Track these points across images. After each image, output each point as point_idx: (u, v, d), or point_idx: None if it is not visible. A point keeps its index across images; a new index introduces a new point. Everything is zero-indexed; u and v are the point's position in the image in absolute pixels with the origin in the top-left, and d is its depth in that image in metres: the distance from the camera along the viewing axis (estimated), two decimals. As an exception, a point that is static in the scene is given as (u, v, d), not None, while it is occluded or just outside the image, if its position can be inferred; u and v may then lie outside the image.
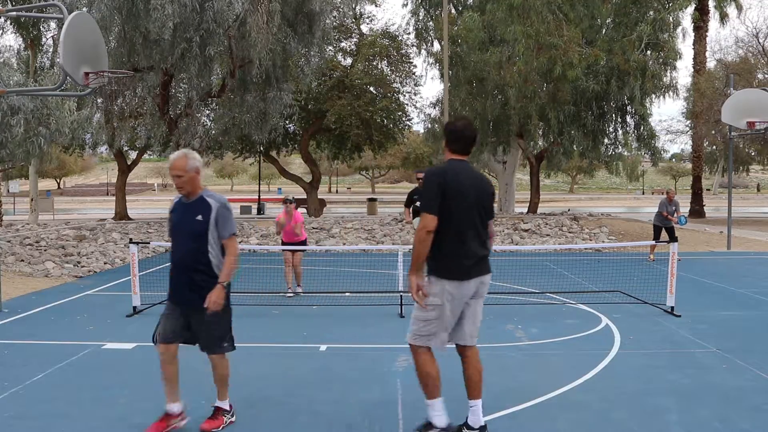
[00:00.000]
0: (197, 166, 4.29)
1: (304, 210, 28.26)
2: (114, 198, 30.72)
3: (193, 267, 4.26)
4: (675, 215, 14.01)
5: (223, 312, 4.32)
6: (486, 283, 4.19)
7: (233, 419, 4.55)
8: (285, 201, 9.90)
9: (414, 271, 4.04)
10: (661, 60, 21.91)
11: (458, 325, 4.18)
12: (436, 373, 4.12)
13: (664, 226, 14.12)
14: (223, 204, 4.30)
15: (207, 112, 23.05)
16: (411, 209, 10.42)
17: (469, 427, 4.18)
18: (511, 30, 20.54)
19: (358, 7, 28.49)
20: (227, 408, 4.53)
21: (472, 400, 4.20)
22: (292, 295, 9.85)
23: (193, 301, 4.25)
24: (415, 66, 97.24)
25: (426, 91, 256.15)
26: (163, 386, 4.39)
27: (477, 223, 4.09)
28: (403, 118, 29.63)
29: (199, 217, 4.25)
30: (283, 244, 9.95)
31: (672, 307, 8.30)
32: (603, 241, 17.98)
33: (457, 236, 4.01)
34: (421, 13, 27.62)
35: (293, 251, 9.83)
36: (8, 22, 22.61)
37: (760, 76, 26.71)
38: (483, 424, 4.19)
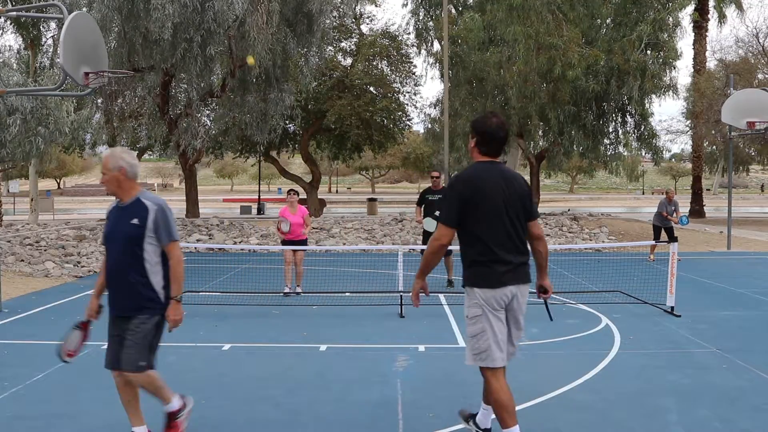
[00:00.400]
0: (121, 166, 3.86)
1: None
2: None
3: (127, 274, 3.85)
4: (675, 215, 14.00)
5: (150, 324, 3.89)
6: (523, 295, 3.86)
7: (190, 407, 4.23)
8: (288, 192, 9.99)
9: (419, 276, 3.94)
10: (660, 60, 21.90)
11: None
12: (507, 401, 3.75)
13: (663, 227, 14.11)
14: (161, 207, 3.90)
15: (207, 112, 23.07)
16: (422, 208, 10.45)
17: (476, 425, 4.15)
18: (510, 30, 20.54)
19: (358, 7, 28.51)
20: (177, 407, 4.12)
21: (487, 405, 4.03)
22: (289, 291, 9.87)
23: (127, 310, 3.88)
24: (415, 66, 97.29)
25: (426, 91, 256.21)
26: (124, 409, 4.06)
27: (509, 229, 3.77)
28: (403, 118, 29.66)
29: (135, 221, 3.85)
30: (284, 243, 9.94)
31: (672, 307, 8.30)
32: (603, 241, 17.98)
33: (485, 244, 3.74)
34: (421, 13, 27.60)
35: (294, 251, 9.83)
36: (8, 22, 22.63)
37: (760, 76, 26.72)
38: (489, 427, 4.13)
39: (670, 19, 21.85)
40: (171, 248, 3.90)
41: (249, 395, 5.15)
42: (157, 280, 3.90)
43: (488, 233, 3.74)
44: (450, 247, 11.32)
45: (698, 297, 9.67)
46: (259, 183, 43.94)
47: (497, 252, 3.74)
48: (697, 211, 31.12)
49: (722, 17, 30.93)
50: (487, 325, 3.73)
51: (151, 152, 31.21)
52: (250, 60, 12.82)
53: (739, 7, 31.07)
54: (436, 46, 27.05)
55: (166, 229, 3.88)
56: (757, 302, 9.22)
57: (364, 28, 29.76)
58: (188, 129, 18.83)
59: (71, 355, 4.09)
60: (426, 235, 10.51)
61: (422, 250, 10.43)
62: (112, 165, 3.88)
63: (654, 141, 24.09)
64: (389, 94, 28.00)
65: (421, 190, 10.90)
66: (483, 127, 3.84)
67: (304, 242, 9.94)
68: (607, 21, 22.55)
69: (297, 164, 59.78)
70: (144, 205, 3.89)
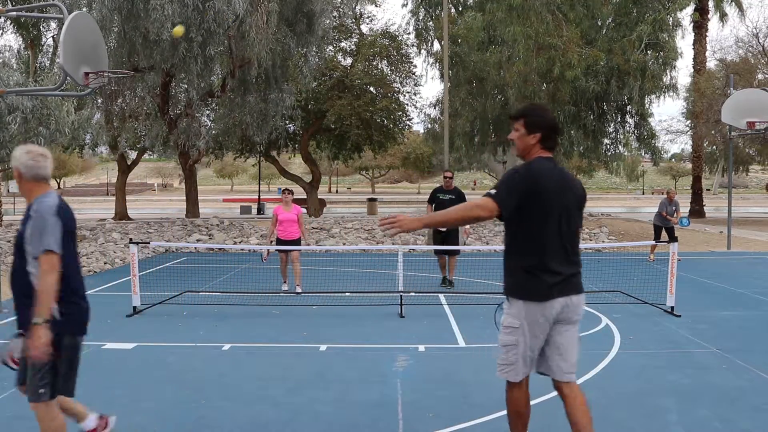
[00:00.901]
0: (16, 166, 3.48)
1: (304, 210, 28.29)
2: (114, 198, 30.75)
3: (18, 287, 3.50)
4: (675, 215, 14.00)
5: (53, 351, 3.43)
6: (575, 306, 3.49)
7: (113, 423, 4.04)
8: (283, 191, 10.21)
9: (422, 221, 3.40)
10: (661, 60, 21.90)
11: (542, 356, 3.57)
12: (526, 412, 3.56)
13: (664, 227, 14.11)
14: (40, 213, 3.38)
15: (207, 112, 23.09)
16: (433, 207, 10.49)
17: None
18: (510, 30, 20.55)
19: (358, 7, 28.52)
20: (93, 426, 3.89)
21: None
22: (287, 288, 9.99)
23: (20, 324, 3.50)
24: (415, 66, 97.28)
25: (426, 91, 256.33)
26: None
27: (564, 235, 3.43)
28: (403, 118, 29.67)
29: (22, 228, 3.47)
30: (279, 240, 10.02)
31: (672, 307, 8.29)
32: (603, 241, 17.98)
33: (537, 249, 3.38)
34: (421, 13, 27.61)
35: (289, 251, 9.95)
36: (8, 22, 22.63)
37: (760, 76, 26.71)
38: None
39: (670, 19, 21.85)
40: (42, 260, 3.36)
41: (249, 395, 5.15)
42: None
43: (543, 237, 3.38)
44: (457, 247, 11.22)
45: (698, 297, 9.67)
46: (259, 183, 43.93)
47: (549, 260, 3.39)
48: (697, 211, 31.12)
49: (723, 16, 30.96)
50: (521, 340, 3.45)
51: (151, 152, 31.20)
52: (177, 31, 10.06)
53: (739, 6, 31.09)
54: (436, 46, 27.08)
55: (38, 238, 3.36)
56: (757, 302, 9.22)
57: (364, 28, 29.79)
58: (188, 129, 18.84)
59: (18, 363, 3.71)
60: (437, 234, 10.47)
61: (437, 251, 10.46)
62: (12, 164, 3.53)
63: (653, 141, 24.11)
64: (389, 94, 28.01)
65: (431, 190, 10.93)
66: (548, 122, 3.51)
67: (297, 241, 10.04)
68: (608, 21, 22.55)
69: (297, 164, 59.82)
70: (29, 212, 3.44)
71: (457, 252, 10.59)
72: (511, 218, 3.41)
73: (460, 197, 10.38)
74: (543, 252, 3.38)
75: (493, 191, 3.37)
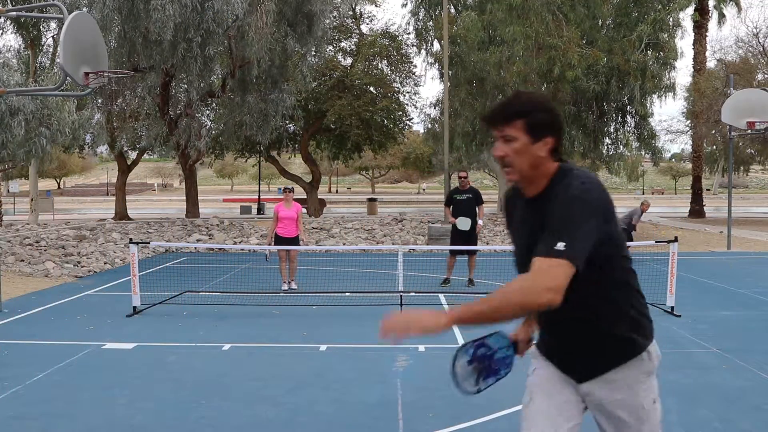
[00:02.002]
0: None
1: (304, 210, 28.30)
2: (114, 198, 30.75)
3: None
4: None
5: None
6: None
7: None
8: (284, 190, 10.30)
9: (464, 318, 2.14)
10: (661, 60, 21.91)
11: None
12: None
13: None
14: None
15: (207, 112, 23.09)
16: (451, 208, 10.49)
17: None
18: (510, 30, 20.55)
19: (358, 7, 28.54)
20: None
21: None
22: (287, 288, 10.10)
23: None
24: (415, 66, 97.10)
25: (426, 91, 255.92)
26: None
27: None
28: (403, 118, 29.69)
29: None
30: (277, 237, 10.11)
31: (672, 307, 8.29)
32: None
33: (635, 289, 2.44)
34: (421, 13, 27.60)
35: (288, 250, 10.02)
36: (8, 22, 22.64)
37: (760, 76, 26.70)
38: None
39: (670, 19, 21.86)
40: None
41: (249, 395, 5.15)
42: None
43: (633, 269, 2.48)
44: (474, 247, 11.07)
45: (698, 297, 9.67)
46: (259, 183, 43.92)
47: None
48: (697, 211, 31.12)
49: (722, 17, 30.97)
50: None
51: (151, 152, 31.21)
52: None
53: (738, 5, 31.08)
54: (436, 46, 27.07)
55: None
56: (757, 302, 9.22)
57: (364, 28, 29.81)
58: (188, 129, 18.84)
59: None
60: (455, 234, 10.40)
61: (452, 251, 10.36)
62: None
63: (653, 141, 24.12)
64: (389, 94, 28.02)
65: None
66: (559, 119, 2.23)
67: (296, 239, 10.18)
68: (608, 21, 22.56)
69: (297, 164, 59.78)
70: None
71: (474, 252, 10.60)
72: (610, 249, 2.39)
73: (476, 196, 10.41)
74: (639, 290, 2.45)
75: (562, 245, 2.11)
